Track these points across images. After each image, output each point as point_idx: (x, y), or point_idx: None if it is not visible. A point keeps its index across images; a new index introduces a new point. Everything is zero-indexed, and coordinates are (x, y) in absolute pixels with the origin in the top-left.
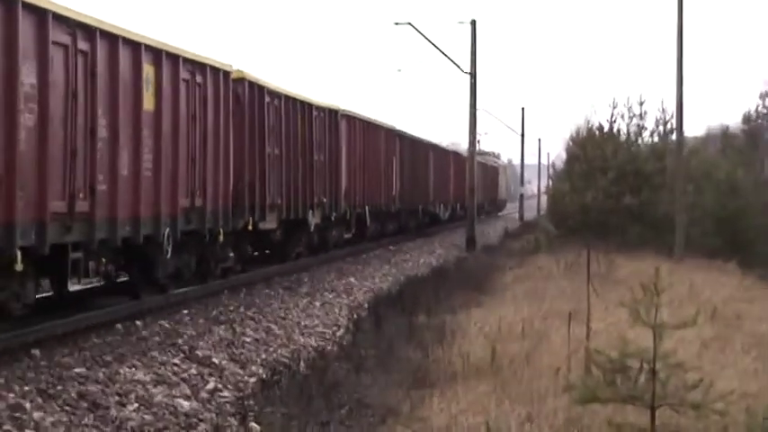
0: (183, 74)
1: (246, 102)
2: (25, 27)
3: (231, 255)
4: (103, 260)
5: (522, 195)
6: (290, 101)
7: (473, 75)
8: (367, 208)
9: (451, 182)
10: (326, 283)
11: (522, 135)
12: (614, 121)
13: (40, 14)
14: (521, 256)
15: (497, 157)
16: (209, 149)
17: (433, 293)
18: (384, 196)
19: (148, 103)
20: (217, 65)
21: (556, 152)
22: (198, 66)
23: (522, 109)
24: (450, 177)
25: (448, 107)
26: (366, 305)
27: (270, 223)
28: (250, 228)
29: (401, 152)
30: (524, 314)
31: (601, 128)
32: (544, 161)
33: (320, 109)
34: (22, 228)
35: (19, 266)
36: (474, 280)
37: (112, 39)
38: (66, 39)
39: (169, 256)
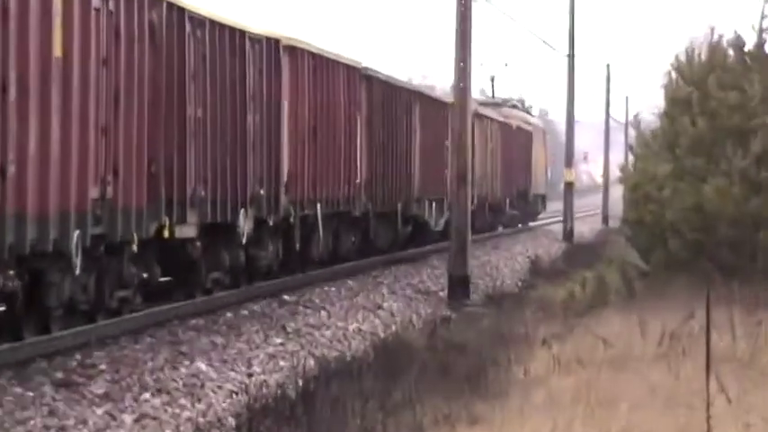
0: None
1: (164, 35)
2: None
3: (144, 275)
4: (11, 273)
5: (569, 186)
6: (217, 29)
7: (571, 57)
8: (319, 207)
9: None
10: (145, 374)
11: (608, 95)
12: None
13: None
14: (566, 314)
15: (529, 110)
16: (121, 112)
17: (376, 396)
18: (344, 187)
19: (57, 45)
20: None
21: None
22: None
23: (608, 66)
24: (448, 150)
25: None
26: (232, 423)
27: (188, 229)
28: (166, 234)
29: (369, 106)
30: None
31: (740, 43)
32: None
33: (255, 39)
34: None
35: None
36: (465, 367)
37: None
38: None
39: (78, 272)
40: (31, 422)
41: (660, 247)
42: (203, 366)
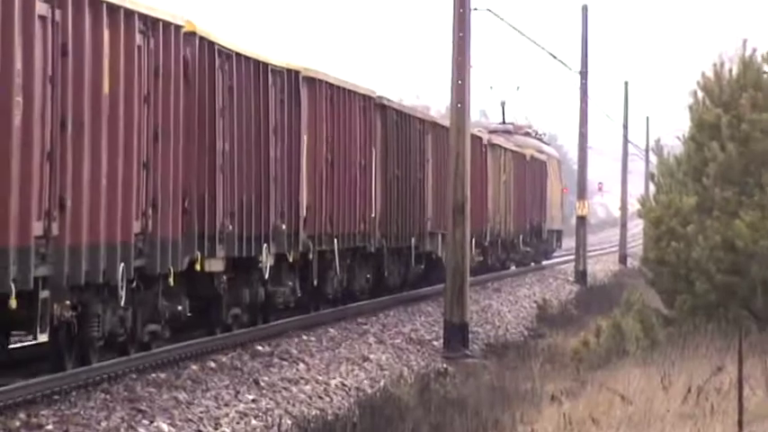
0: (138, 37)
1: (196, 70)
2: None
3: (179, 308)
4: (67, 303)
5: (582, 220)
6: (243, 61)
7: (584, 74)
8: (336, 243)
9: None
10: None
11: (626, 116)
12: None
13: None
14: (578, 367)
15: (542, 137)
16: (160, 147)
17: None
18: (359, 223)
19: (105, 83)
20: (168, 18)
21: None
22: (151, 23)
23: (626, 83)
24: None
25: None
26: None
27: (217, 263)
28: (198, 268)
29: (384, 137)
30: None
31: None
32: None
33: (277, 71)
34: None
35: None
36: (463, 428)
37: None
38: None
39: (122, 304)
40: None
41: (685, 289)
42: (165, 427)
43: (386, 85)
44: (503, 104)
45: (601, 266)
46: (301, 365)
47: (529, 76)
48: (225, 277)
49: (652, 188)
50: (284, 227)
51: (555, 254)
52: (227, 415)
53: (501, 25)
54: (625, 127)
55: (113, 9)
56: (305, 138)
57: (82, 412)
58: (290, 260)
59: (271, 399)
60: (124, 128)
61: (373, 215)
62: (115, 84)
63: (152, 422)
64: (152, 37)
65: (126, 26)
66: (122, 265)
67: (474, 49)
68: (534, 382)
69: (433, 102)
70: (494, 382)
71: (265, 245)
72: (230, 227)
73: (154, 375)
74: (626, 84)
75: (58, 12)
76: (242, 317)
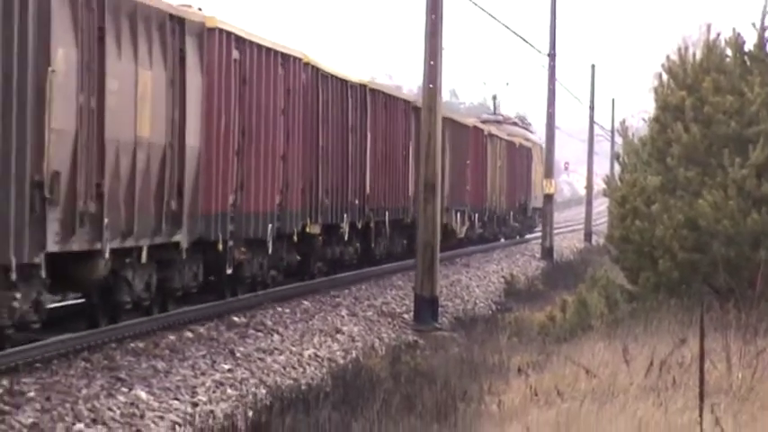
0: (280, 68)
1: (307, 88)
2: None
3: (297, 258)
4: (243, 249)
5: (548, 198)
6: (333, 81)
7: (552, 56)
8: (387, 215)
9: (470, 174)
10: (79, 402)
11: (592, 98)
12: None
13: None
14: (544, 341)
15: (528, 126)
16: (289, 145)
17: (333, 430)
18: (401, 200)
19: (264, 101)
20: (295, 54)
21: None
22: (284, 58)
23: (593, 66)
24: (468, 167)
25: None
26: None
27: (316, 227)
28: (308, 230)
29: (417, 134)
30: None
31: (739, 42)
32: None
33: (352, 86)
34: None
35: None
36: (433, 398)
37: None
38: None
39: (270, 252)
40: None
41: (649, 267)
42: (143, 394)
43: (359, 64)
44: (494, 97)
45: (567, 243)
46: (276, 336)
47: (499, 59)
48: (320, 238)
49: (617, 168)
50: (357, 202)
51: (537, 228)
52: (203, 384)
53: (473, 9)
54: (591, 108)
55: (267, 50)
56: (369, 135)
57: (63, 380)
58: (359, 227)
59: (246, 369)
60: (273, 133)
61: (410, 194)
62: (268, 101)
63: (131, 390)
64: (284, 67)
65: (274, 62)
66: (270, 225)
67: (447, 33)
68: (501, 355)
69: (405, 81)
70: (462, 355)
71: (345, 215)
72: (326, 202)
73: (133, 345)
74: (593, 66)
75: (237, 53)
76: (323, 268)
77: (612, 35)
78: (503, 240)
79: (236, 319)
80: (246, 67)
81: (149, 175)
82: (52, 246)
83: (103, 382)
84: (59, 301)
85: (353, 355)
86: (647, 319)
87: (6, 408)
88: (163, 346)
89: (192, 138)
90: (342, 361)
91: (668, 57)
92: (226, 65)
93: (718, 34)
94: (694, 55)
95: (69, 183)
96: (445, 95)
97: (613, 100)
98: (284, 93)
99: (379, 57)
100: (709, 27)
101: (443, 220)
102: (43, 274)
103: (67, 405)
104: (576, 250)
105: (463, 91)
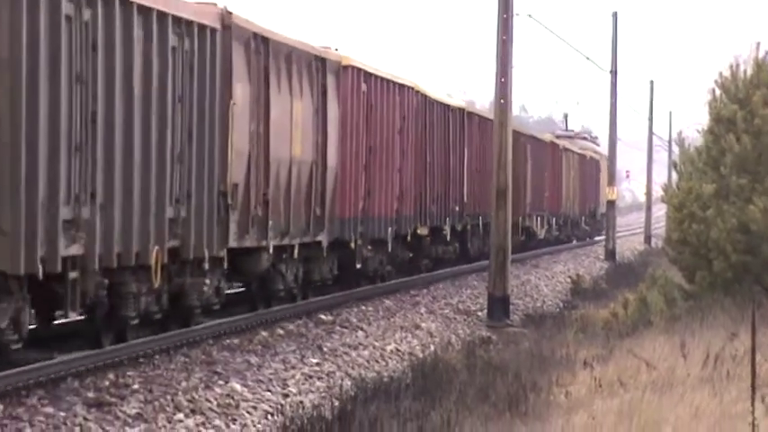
0: (396, 96)
1: (417, 112)
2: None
3: (410, 255)
4: (369, 248)
5: (611, 204)
6: (439, 105)
7: (614, 73)
8: (480, 219)
9: (548, 183)
10: (179, 394)
11: (651, 112)
12: None
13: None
14: (607, 336)
15: (595, 140)
16: (405, 161)
17: (414, 419)
18: (488, 205)
19: (392, 126)
20: (409, 83)
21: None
22: (400, 87)
23: (651, 82)
24: (546, 177)
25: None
26: None
27: (424, 229)
28: (419, 232)
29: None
30: None
31: None
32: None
33: (454, 110)
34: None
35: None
36: (505, 389)
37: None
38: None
39: (389, 250)
40: None
41: (704, 267)
42: (238, 386)
43: (435, 81)
44: (565, 116)
45: (628, 246)
46: (360, 332)
47: (566, 75)
48: (428, 239)
49: (674, 176)
50: (456, 208)
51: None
52: (293, 377)
53: (542, 29)
54: (650, 121)
55: (388, 81)
56: (466, 152)
57: (164, 373)
58: (458, 230)
59: (332, 362)
60: (391, 150)
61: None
62: (387, 124)
63: (227, 382)
64: (400, 96)
65: (392, 91)
66: (389, 228)
67: (517, 51)
68: (568, 349)
69: (478, 97)
70: (532, 349)
71: (447, 219)
72: (432, 208)
73: (228, 341)
74: (651, 82)
75: (365, 85)
76: (428, 264)
77: (670, 53)
78: (575, 242)
79: (323, 316)
80: (372, 96)
81: (300, 187)
82: (232, 242)
83: (201, 375)
84: (230, 289)
85: (431, 349)
86: (703, 316)
87: (113, 399)
88: (256, 342)
89: (331, 156)
90: (421, 355)
91: (721, 73)
92: (356, 95)
93: (767, 52)
94: (745, 72)
95: (244, 193)
96: (515, 110)
97: (671, 113)
98: (400, 117)
99: (455, 74)
100: (758, 46)
101: (526, 223)
102: (225, 265)
103: (168, 396)
104: (637, 252)
105: (532, 105)
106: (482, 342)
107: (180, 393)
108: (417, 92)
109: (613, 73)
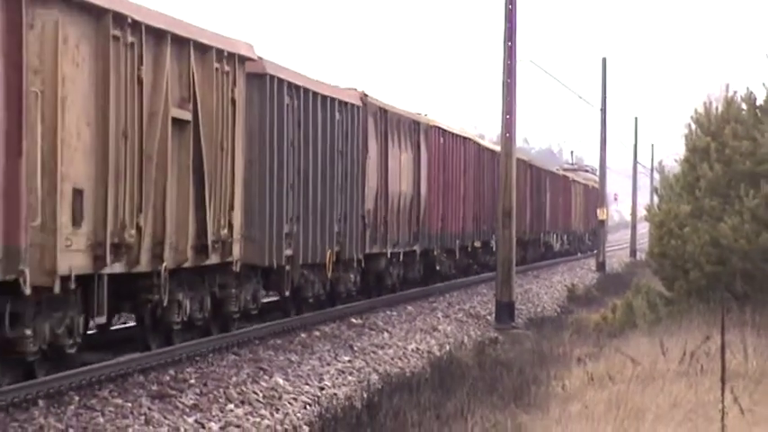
0: (462, 145)
1: (474, 157)
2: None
3: (472, 264)
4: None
5: (601, 223)
6: (487, 151)
7: (603, 110)
8: (530, 234)
9: (561, 208)
10: (230, 387)
11: (635, 143)
12: None
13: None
14: (598, 336)
15: (594, 171)
16: (468, 194)
17: (432, 408)
18: (523, 225)
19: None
20: (470, 136)
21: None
22: (464, 140)
23: (636, 118)
24: (560, 203)
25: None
26: (306, 430)
27: (478, 242)
28: (474, 245)
29: (532, 184)
30: None
31: (752, 99)
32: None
33: (497, 153)
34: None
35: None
36: (510, 382)
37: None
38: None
39: (456, 259)
40: (129, 429)
41: (681, 277)
42: (281, 381)
43: (449, 115)
44: (572, 153)
45: (616, 259)
46: (386, 334)
47: (560, 108)
48: (480, 250)
49: (656, 199)
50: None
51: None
52: (328, 372)
53: (540, 72)
54: (635, 152)
55: (457, 135)
56: (528, 190)
57: (217, 369)
58: (525, 241)
59: (362, 360)
60: (457, 184)
61: (527, 221)
62: (455, 166)
63: (271, 377)
64: (464, 145)
65: (459, 142)
66: (457, 241)
67: (520, 90)
68: (565, 348)
69: (487, 130)
70: (534, 348)
71: (493, 235)
72: (484, 227)
73: (272, 341)
74: (636, 119)
75: (442, 139)
76: (478, 270)
77: (652, 92)
78: (578, 255)
79: (354, 320)
80: (447, 147)
81: (404, 211)
82: (368, 249)
83: (249, 371)
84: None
85: (447, 348)
86: (681, 319)
87: (173, 392)
88: (296, 342)
89: (423, 189)
90: (438, 353)
91: (696, 110)
92: (437, 146)
93: (735, 92)
94: (717, 108)
95: (374, 215)
96: (519, 142)
97: (653, 145)
98: (463, 160)
99: (467, 109)
100: (727, 86)
101: (545, 238)
102: (362, 264)
103: (221, 389)
104: (624, 264)
105: (533, 138)
106: (491, 342)
107: (231, 387)
108: (474, 142)
109: (603, 110)
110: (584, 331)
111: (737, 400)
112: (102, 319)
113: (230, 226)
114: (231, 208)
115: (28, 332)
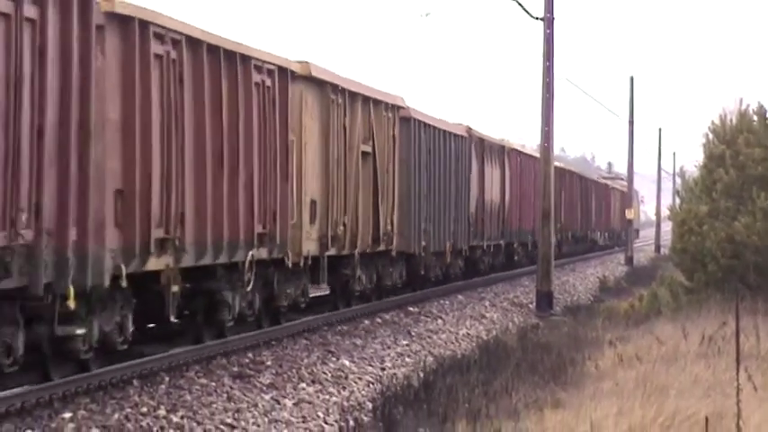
0: (529, 161)
1: (515, 163)
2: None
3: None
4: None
5: (629, 222)
6: (525, 156)
7: (631, 123)
8: (570, 234)
9: (604, 210)
10: (302, 368)
11: (659, 151)
12: None
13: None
14: (627, 322)
15: (624, 179)
16: (525, 195)
17: (481, 386)
18: (574, 224)
19: (530, 177)
20: (536, 155)
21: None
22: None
23: (660, 129)
24: (603, 206)
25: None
26: (370, 406)
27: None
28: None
29: (578, 191)
30: (633, 421)
31: (763, 111)
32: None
33: (563, 171)
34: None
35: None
36: (549, 363)
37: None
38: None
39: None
40: (214, 405)
41: (700, 269)
42: (347, 362)
43: (493, 127)
44: (609, 164)
45: (643, 254)
46: (439, 321)
47: (592, 123)
48: (519, 249)
49: (678, 200)
50: (558, 226)
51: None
52: (389, 355)
53: (574, 89)
54: (659, 159)
55: (528, 155)
56: (563, 194)
57: (290, 353)
58: (558, 239)
59: (419, 344)
60: (523, 193)
61: (579, 221)
62: (523, 179)
63: (338, 359)
64: (534, 163)
65: (529, 159)
66: (529, 236)
67: (558, 103)
68: (598, 332)
69: (528, 140)
70: (570, 333)
71: (567, 234)
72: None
73: (339, 328)
74: (660, 129)
75: (519, 158)
76: (522, 261)
77: (674, 106)
78: (615, 248)
79: (411, 309)
80: (522, 164)
81: (494, 214)
82: (471, 242)
83: (319, 354)
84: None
85: (494, 333)
86: (700, 307)
87: (251, 372)
88: (360, 328)
89: (507, 196)
90: (485, 337)
91: (713, 121)
92: (516, 164)
93: (748, 105)
94: (731, 120)
95: (475, 215)
96: (556, 150)
97: (675, 152)
98: (533, 174)
99: (510, 120)
100: (741, 100)
101: (591, 235)
102: (467, 253)
103: (294, 370)
104: (650, 259)
105: (569, 146)
106: (532, 328)
107: (303, 368)
108: (536, 159)
109: (630, 123)
110: (615, 318)
111: (751, 378)
112: (324, 286)
113: (392, 224)
114: (392, 211)
115: (289, 291)
